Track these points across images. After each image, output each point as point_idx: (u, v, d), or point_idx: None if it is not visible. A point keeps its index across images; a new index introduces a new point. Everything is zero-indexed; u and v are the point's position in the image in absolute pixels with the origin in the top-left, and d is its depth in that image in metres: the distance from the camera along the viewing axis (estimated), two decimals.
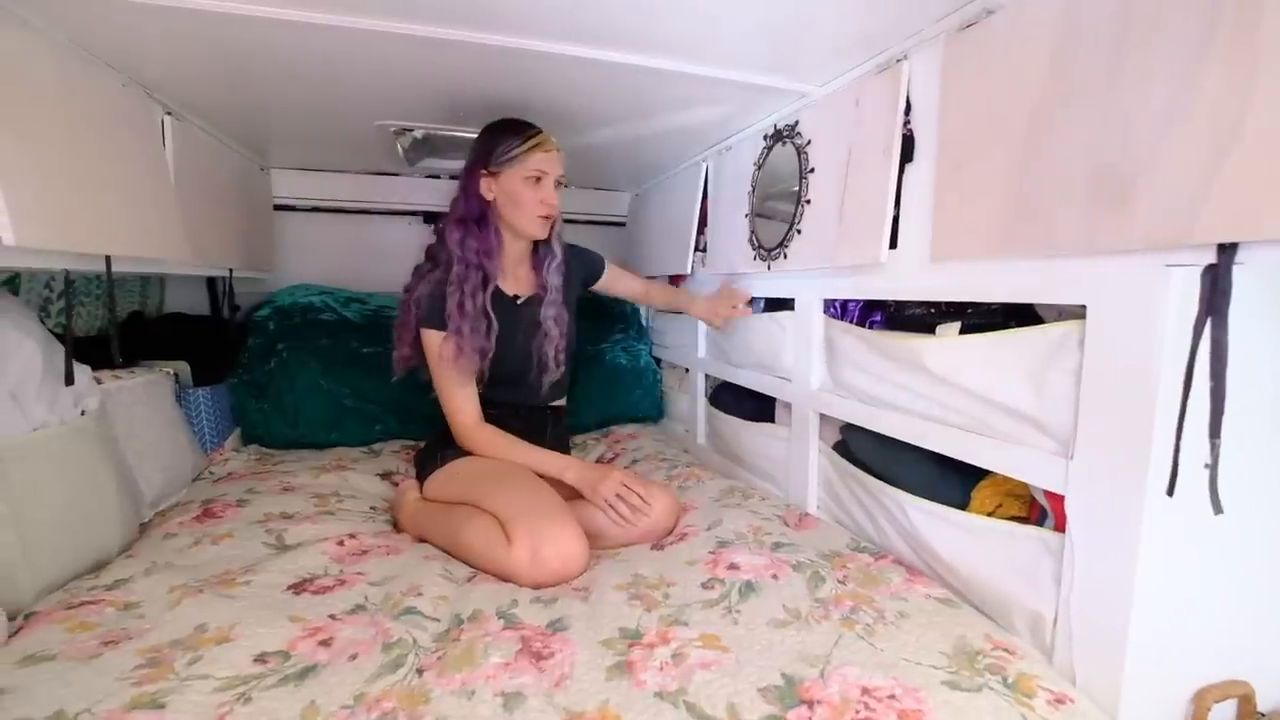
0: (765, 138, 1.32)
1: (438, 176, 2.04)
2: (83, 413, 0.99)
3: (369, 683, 0.67)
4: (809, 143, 1.17)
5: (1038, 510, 0.83)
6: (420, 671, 0.70)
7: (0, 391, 0.85)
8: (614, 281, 1.50)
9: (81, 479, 0.95)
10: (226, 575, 0.89)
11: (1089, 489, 0.69)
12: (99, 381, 1.11)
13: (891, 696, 0.65)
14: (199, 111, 1.33)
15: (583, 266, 1.43)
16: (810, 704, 0.65)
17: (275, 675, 0.68)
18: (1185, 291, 0.59)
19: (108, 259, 0.99)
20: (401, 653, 0.73)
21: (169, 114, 1.23)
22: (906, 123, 0.94)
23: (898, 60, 0.95)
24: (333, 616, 0.80)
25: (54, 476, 0.90)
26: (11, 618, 0.77)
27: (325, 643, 0.74)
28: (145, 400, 1.26)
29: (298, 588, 0.87)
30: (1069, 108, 0.69)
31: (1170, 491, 0.60)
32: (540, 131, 1.20)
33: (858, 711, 0.63)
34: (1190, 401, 0.58)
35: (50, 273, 1.22)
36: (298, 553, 0.97)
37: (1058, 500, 0.74)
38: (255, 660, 0.70)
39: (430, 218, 2.13)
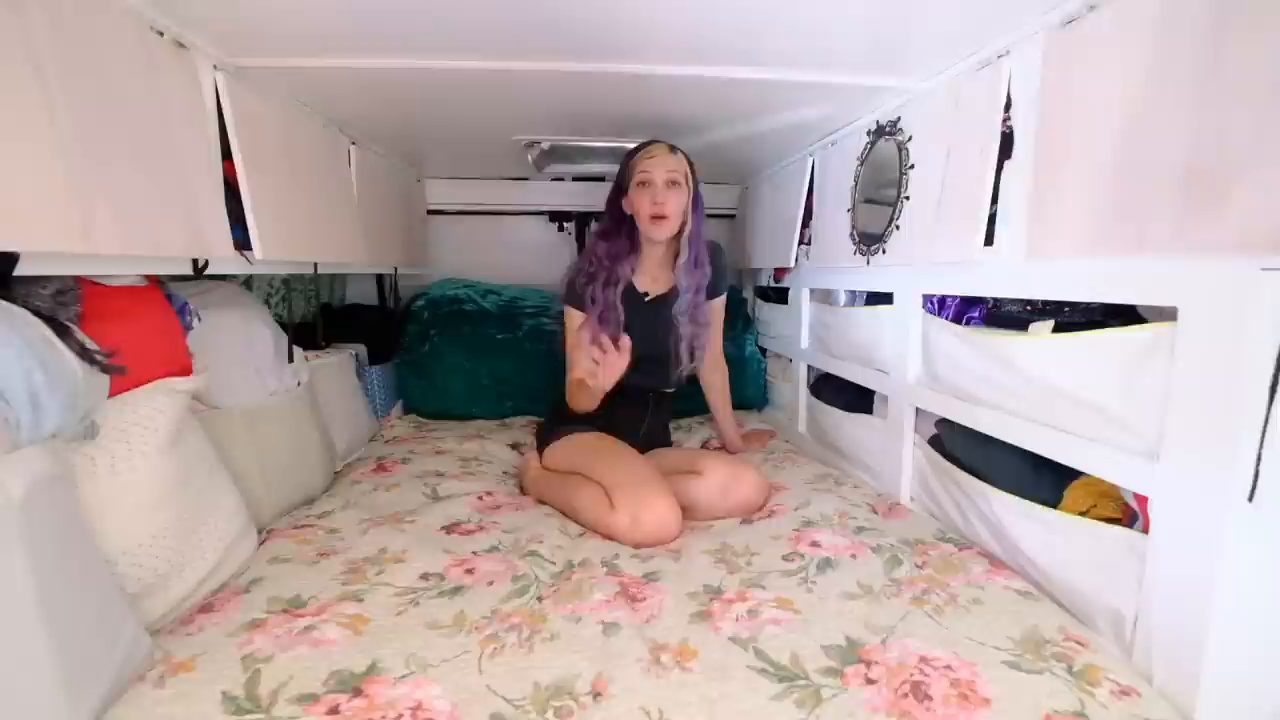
0: (868, 133, 1.34)
1: (562, 179, 2.25)
2: (298, 384, 1.29)
3: (502, 602, 0.85)
4: (910, 138, 1.18)
5: (1130, 513, 0.82)
6: (540, 599, 0.87)
7: (249, 368, 1.15)
8: (711, 318, 1.50)
9: (298, 434, 1.24)
10: (396, 515, 1.13)
11: (1173, 492, 0.69)
12: (306, 359, 1.42)
13: (948, 667, 0.71)
14: (374, 138, 1.62)
15: (717, 276, 1.47)
16: (868, 664, 0.72)
17: (435, 590, 0.88)
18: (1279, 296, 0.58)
19: (315, 265, 1.27)
20: (526, 584, 0.91)
21: (354, 144, 1.52)
22: (1006, 119, 0.94)
23: (999, 56, 0.94)
24: (474, 553, 1.00)
25: (282, 432, 1.19)
26: (259, 532, 1.06)
27: (469, 571, 0.94)
28: (337, 376, 1.58)
29: (449, 529, 1.09)
30: (1166, 102, 0.68)
31: (1250, 498, 0.60)
32: (649, 143, 1.33)
33: (911, 675, 0.70)
34: (1275, 408, 0.58)
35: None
36: (448, 503, 1.20)
37: (1146, 502, 0.74)
38: (420, 578, 0.91)
39: (555, 216, 2.35)
